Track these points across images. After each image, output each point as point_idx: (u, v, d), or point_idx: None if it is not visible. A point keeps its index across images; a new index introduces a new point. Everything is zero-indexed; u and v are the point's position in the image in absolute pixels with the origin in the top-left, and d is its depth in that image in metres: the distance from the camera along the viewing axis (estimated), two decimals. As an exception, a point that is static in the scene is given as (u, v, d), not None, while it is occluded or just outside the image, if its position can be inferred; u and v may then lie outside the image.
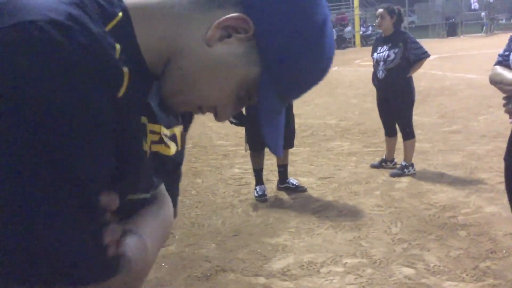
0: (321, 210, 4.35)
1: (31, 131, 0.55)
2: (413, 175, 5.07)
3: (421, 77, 9.58)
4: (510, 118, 2.21)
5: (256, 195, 4.71)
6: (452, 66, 13.37)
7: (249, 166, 5.02)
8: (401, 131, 5.19)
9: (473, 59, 14.08)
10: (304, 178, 5.22)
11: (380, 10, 5.07)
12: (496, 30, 23.63)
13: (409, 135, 5.13)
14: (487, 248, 3.40)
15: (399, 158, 5.32)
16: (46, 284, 0.59)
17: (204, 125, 7.78)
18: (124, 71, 0.63)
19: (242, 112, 4.22)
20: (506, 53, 2.23)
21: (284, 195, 4.83)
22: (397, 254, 3.41)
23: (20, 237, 0.56)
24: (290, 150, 4.96)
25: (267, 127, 0.75)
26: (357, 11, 26.48)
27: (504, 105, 2.16)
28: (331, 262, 3.38)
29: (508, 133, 2.30)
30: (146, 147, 0.73)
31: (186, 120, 0.91)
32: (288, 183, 4.90)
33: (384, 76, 5.07)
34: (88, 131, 0.58)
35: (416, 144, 5.26)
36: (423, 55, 4.98)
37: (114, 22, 0.66)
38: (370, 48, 5.52)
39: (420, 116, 7.11)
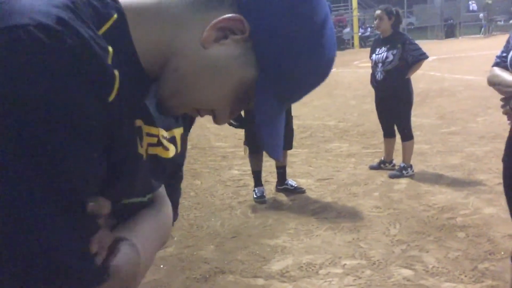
0: (320, 212, 4.35)
1: (17, 135, 0.54)
2: (411, 176, 5.08)
3: (419, 79, 9.60)
4: (508, 120, 2.21)
5: (255, 196, 4.71)
6: (451, 67, 13.38)
7: (247, 167, 5.02)
8: (400, 132, 5.19)
9: (472, 61, 14.09)
10: (302, 179, 5.22)
11: (378, 11, 5.08)
12: (494, 31, 23.64)
13: (407, 136, 5.13)
14: (486, 249, 3.40)
15: (397, 160, 5.32)
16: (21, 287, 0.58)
17: (202, 126, 7.77)
18: (116, 74, 0.62)
19: (241, 114, 4.22)
20: (504, 54, 2.23)
21: (282, 197, 4.83)
22: (396, 256, 3.41)
23: (3, 242, 0.55)
24: (289, 152, 4.97)
25: (265, 131, 0.73)
26: (355, 13, 26.49)
27: (502, 107, 2.16)
28: (330, 263, 3.38)
29: (507, 135, 2.30)
30: (141, 150, 0.72)
31: (187, 122, 0.89)
32: (287, 184, 4.90)
33: (382, 78, 5.07)
34: (76, 136, 0.57)
35: (415, 146, 5.26)
36: (421, 56, 4.98)
37: (108, 24, 0.65)
38: (369, 49, 5.52)
39: (418, 118, 7.11)
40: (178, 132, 0.85)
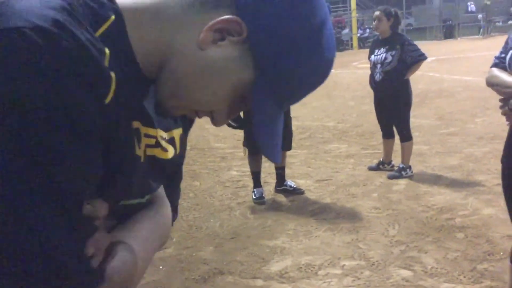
0: (319, 213, 4.35)
1: (15, 137, 0.54)
2: (410, 177, 5.08)
3: (418, 80, 9.60)
4: (507, 120, 2.22)
5: (254, 197, 4.71)
6: (450, 68, 13.40)
7: (247, 168, 5.02)
8: (399, 133, 5.20)
9: (471, 61, 14.11)
10: (301, 180, 5.22)
11: (377, 12, 5.08)
12: (493, 32, 23.68)
13: (406, 137, 5.14)
14: (485, 250, 3.40)
15: (396, 160, 5.32)
16: None
17: (201, 127, 7.77)
18: (112, 76, 0.62)
19: (240, 115, 4.21)
20: (503, 55, 2.23)
21: (282, 198, 4.83)
22: (395, 256, 3.41)
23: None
24: (288, 153, 4.97)
25: (263, 133, 0.72)
26: (354, 14, 26.51)
27: (501, 107, 2.17)
28: (329, 264, 3.38)
29: (505, 135, 2.30)
30: (139, 152, 0.72)
31: (187, 123, 0.89)
32: (286, 185, 4.90)
33: (381, 79, 5.08)
34: (74, 138, 0.57)
35: (414, 146, 5.26)
36: (420, 57, 4.99)
37: (106, 26, 0.65)
38: (368, 50, 5.53)
39: (417, 118, 7.12)
40: (177, 133, 0.85)
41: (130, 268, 0.68)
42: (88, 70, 0.58)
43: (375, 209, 4.31)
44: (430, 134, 6.72)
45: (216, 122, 0.74)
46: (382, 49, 5.07)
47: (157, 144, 0.77)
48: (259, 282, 3.22)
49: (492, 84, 2.23)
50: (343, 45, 25.57)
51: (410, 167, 5.15)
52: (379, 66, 5.07)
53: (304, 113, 8.72)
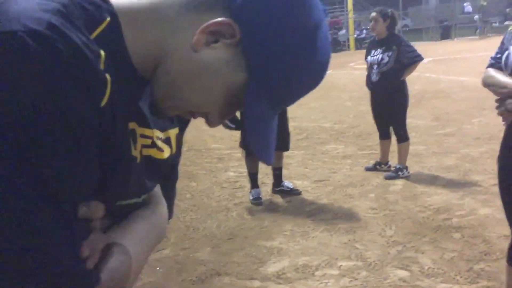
0: (316, 213, 4.35)
1: (9, 141, 0.54)
2: (407, 177, 5.09)
3: (415, 80, 9.62)
4: (503, 121, 2.22)
5: (251, 198, 4.71)
6: (446, 69, 13.43)
7: (244, 169, 5.02)
8: (395, 134, 5.21)
9: (467, 62, 14.15)
10: (299, 181, 5.22)
11: (374, 13, 5.10)
12: (489, 33, 23.74)
13: (403, 138, 5.14)
14: (481, 250, 3.41)
15: (393, 161, 5.33)
16: None
17: (198, 128, 7.75)
18: (107, 79, 0.62)
19: (237, 116, 4.21)
20: (498, 55, 2.23)
21: (279, 198, 4.83)
22: (392, 257, 3.42)
23: None
24: (285, 153, 4.97)
25: (255, 135, 0.73)
26: (351, 15, 26.55)
27: (497, 108, 2.17)
28: (326, 265, 3.38)
29: (502, 136, 2.31)
30: (135, 152, 0.72)
31: (183, 122, 0.89)
32: (283, 186, 4.90)
33: (378, 79, 5.09)
34: (70, 140, 0.57)
35: (410, 147, 5.27)
36: (416, 58, 5.00)
37: (101, 27, 0.65)
38: (364, 51, 5.54)
39: (414, 119, 7.13)
40: (173, 133, 0.85)
41: (125, 269, 0.69)
42: (83, 73, 0.58)
43: (372, 210, 4.31)
44: (426, 134, 6.74)
45: (210, 123, 0.75)
46: (378, 50, 5.08)
47: (153, 145, 0.77)
48: (256, 283, 3.22)
49: (488, 84, 2.23)
50: (340, 46, 25.61)
51: (406, 168, 5.16)
52: (375, 67, 5.08)
53: (301, 114, 8.73)
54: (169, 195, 0.86)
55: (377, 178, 5.17)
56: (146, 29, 0.69)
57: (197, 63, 0.68)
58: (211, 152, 6.77)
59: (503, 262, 2.45)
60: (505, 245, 2.42)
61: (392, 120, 5.19)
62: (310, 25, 0.69)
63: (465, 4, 30.02)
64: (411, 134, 5.47)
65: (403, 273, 3.19)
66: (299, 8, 0.68)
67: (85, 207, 0.62)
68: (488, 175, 4.75)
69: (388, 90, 5.02)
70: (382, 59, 5.02)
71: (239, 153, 5.27)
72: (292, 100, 0.75)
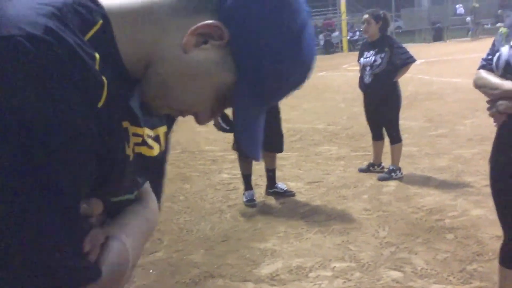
0: (310, 215, 4.36)
1: (11, 142, 0.55)
2: (400, 178, 5.10)
3: (408, 82, 9.66)
4: (495, 122, 2.24)
5: (245, 200, 4.71)
6: (439, 70, 13.49)
7: (237, 171, 5.02)
8: (388, 135, 5.22)
9: (459, 64, 14.22)
10: (292, 182, 5.23)
11: (366, 16, 5.12)
12: (481, 34, 23.87)
13: (396, 139, 5.16)
14: (474, 250, 3.43)
15: (386, 162, 5.35)
16: (21, 287, 0.60)
17: (192, 130, 7.75)
18: (104, 81, 0.63)
19: (230, 118, 4.21)
20: (490, 57, 2.24)
21: (272, 200, 4.83)
22: (385, 258, 3.43)
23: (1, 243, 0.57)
24: (279, 155, 4.97)
25: (244, 132, 0.76)
26: (344, 16, 26.64)
27: (489, 109, 2.18)
28: (319, 266, 3.39)
29: (494, 137, 2.32)
30: (129, 151, 0.74)
31: (170, 120, 0.92)
32: (276, 187, 4.90)
33: (371, 81, 5.10)
34: (70, 142, 0.59)
35: (403, 148, 5.29)
36: (408, 60, 5.02)
37: (94, 30, 0.66)
38: (357, 53, 5.55)
39: (407, 120, 7.16)
40: (162, 130, 0.88)
41: (124, 262, 0.71)
42: (81, 76, 0.60)
43: (365, 211, 4.32)
44: (419, 136, 6.76)
45: (200, 121, 0.78)
46: (371, 51, 5.10)
47: (144, 142, 0.80)
48: (250, 285, 3.22)
49: (480, 86, 2.24)
50: (333, 47, 25.70)
51: (399, 169, 5.17)
52: (368, 68, 5.10)
53: (295, 115, 8.74)
54: (157, 191, 0.89)
55: (371, 179, 5.18)
56: (137, 31, 0.71)
57: (187, 63, 0.70)
58: (204, 154, 6.77)
59: (496, 263, 2.46)
60: (497, 246, 2.43)
61: (385, 122, 5.21)
62: (296, 26, 0.72)
63: (457, 6, 30.18)
64: (404, 135, 5.49)
65: (396, 274, 3.20)
66: (285, 11, 0.71)
67: (85, 204, 0.65)
68: (480, 176, 4.77)
69: (381, 91, 5.04)
70: (375, 60, 5.03)
71: (232, 155, 5.28)
72: (279, 98, 0.79)
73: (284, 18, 0.71)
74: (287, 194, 4.85)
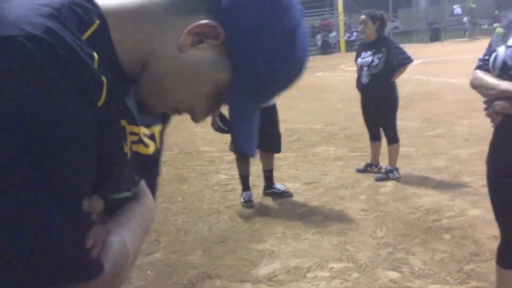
0: (307, 215, 4.36)
1: (16, 142, 0.56)
2: (397, 179, 5.11)
3: (405, 82, 9.68)
4: (491, 122, 2.24)
5: (243, 201, 4.70)
6: (436, 71, 13.52)
7: (235, 171, 5.02)
8: (386, 135, 5.23)
9: (457, 64, 14.25)
10: (290, 183, 5.23)
11: (363, 16, 5.12)
12: (478, 34, 23.93)
13: (393, 139, 5.17)
14: (471, 251, 3.43)
15: (384, 163, 5.35)
16: (27, 283, 0.61)
17: (189, 131, 7.75)
18: (104, 80, 0.65)
19: (227, 119, 4.21)
20: (486, 57, 2.25)
21: (270, 201, 4.83)
22: (383, 258, 3.43)
23: (5, 242, 0.58)
24: (276, 155, 4.97)
25: (240, 128, 0.79)
26: (341, 17, 26.68)
27: (486, 109, 2.18)
28: (317, 267, 3.39)
29: (491, 137, 2.32)
30: (126, 149, 0.76)
31: (165, 118, 0.94)
32: (274, 188, 4.90)
33: (368, 81, 5.11)
34: (73, 141, 0.60)
35: (401, 149, 5.30)
36: (405, 60, 5.03)
37: (91, 30, 0.67)
38: (355, 53, 5.56)
39: (404, 121, 7.17)
40: (157, 129, 0.89)
41: (125, 258, 0.72)
42: (81, 75, 0.61)
43: (363, 211, 4.32)
44: (416, 136, 6.77)
45: (195, 119, 0.80)
46: (368, 52, 5.10)
47: (140, 141, 0.81)
48: (248, 286, 3.22)
49: (476, 86, 2.25)
50: (330, 48, 25.76)
51: (397, 169, 5.18)
52: (365, 69, 5.11)
53: (292, 116, 8.75)
54: (152, 189, 0.90)
55: (368, 179, 5.19)
56: (133, 31, 0.72)
57: (184, 63, 0.72)
58: (202, 154, 6.76)
59: (493, 263, 2.46)
60: (494, 246, 2.44)
61: (382, 122, 5.21)
62: (290, 26, 0.74)
63: (454, 6, 30.27)
64: (401, 135, 5.50)
65: (393, 275, 3.20)
66: (279, 11, 0.73)
67: (87, 202, 0.65)
68: (477, 176, 4.78)
69: (378, 92, 5.05)
70: (372, 61, 5.04)
71: (230, 156, 5.28)
72: (273, 95, 0.81)
73: (278, 18, 0.72)
74: (284, 194, 4.85)
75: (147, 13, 0.72)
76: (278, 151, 4.83)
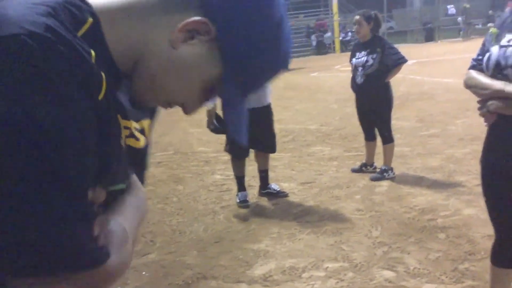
0: (303, 215, 4.36)
1: (23, 139, 0.58)
2: (392, 178, 5.12)
3: (399, 82, 9.70)
4: (485, 122, 2.25)
5: (238, 201, 4.70)
6: (430, 71, 13.56)
7: (230, 172, 5.02)
8: (380, 135, 5.24)
9: (451, 64, 14.29)
10: (285, 183, 5.23)
11: (357, 17, 5.13)
12: (472, 34, 24.01)
13: (388, 139, 5.18)
14: (466, 250, 3.44)
15: (379, 162, 5.36)
16: (41, 271, 0.63)
17: (185, 131, 7.75)
18: (103, 75, 0.67)
19: (223, 119, 4.21)
20: (480, 57, 2.26)
21: (265, 201, 4.83)
22: (378, 258, 3.44)
23: (17, 231, 0.60)
24: (272, 156, 4.97)
25: (231, 118, 0.82)
26: (336, 17, 26.70)
27: (479, 109, 2.19)
28: (312, 267, 3.39)
29: (484, 136, 2.33)
30: (122, 142, 0.78)
31: (153, 113, 0.97)
32: (269, 188, 4.91)
33: (362, 81, 5.12)
34: (78, 135, 0.62)
35: (395, 148, 5.31)
36: (400, 60, 5.04)
37: (85, 28, 0.69)
38: (350, 53, 5.56)
39: (399, 121, 7.18)
40: (146, 123, 0.92)
41: (126, 245, 0.75)
42: (83, 71, 0.63)
43: (358, 211, 4.33)
44: (411, 136, 6.79)
45: (187, 111, 0.82)
46: (363, 52, 5.11)
47: (131, 135, 0.84)
48: (243, 286, 3.22)
49: (470, 86, 2.26)
50: (325, 48, 25.75)
51: (392, 169, 5.19)
52: (360, 69, 5.12)
53: (288, 116, 8.75)
54: (140, 182, 0.92)
55: (363, 179, 5.20)
56: (125, 28, 0.74)
57: (176, 58, 0.74)
58: (197, 155, 6.76)
59: (488, 262, 2.47)
60: (489, 245, 2.45)
61: (377, 122, 5.23)
62: (276, 20, 0.77)
63: (448, 6, 30.36)
64: (396, 135, 5.51)
65: (389, 274, 3.21)
66: (266, 5, 0.76)
67: (91, 192, 0.68)
68: (472, 175, 4.80)
69: (373, 92, 5.06)
70: (366, 61, 5.05)
71: (225, 156, 5.27)
72: (261, 85, 0.85)
73: (266, 12, 0.76)
74: (280, 194, 4.85)
75: (139, 11, 0.74)
76: (273, 151, 4.83)
